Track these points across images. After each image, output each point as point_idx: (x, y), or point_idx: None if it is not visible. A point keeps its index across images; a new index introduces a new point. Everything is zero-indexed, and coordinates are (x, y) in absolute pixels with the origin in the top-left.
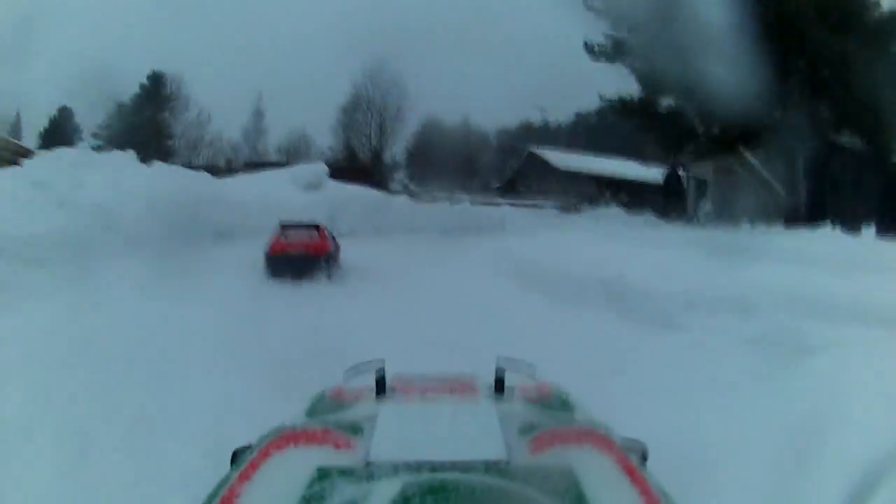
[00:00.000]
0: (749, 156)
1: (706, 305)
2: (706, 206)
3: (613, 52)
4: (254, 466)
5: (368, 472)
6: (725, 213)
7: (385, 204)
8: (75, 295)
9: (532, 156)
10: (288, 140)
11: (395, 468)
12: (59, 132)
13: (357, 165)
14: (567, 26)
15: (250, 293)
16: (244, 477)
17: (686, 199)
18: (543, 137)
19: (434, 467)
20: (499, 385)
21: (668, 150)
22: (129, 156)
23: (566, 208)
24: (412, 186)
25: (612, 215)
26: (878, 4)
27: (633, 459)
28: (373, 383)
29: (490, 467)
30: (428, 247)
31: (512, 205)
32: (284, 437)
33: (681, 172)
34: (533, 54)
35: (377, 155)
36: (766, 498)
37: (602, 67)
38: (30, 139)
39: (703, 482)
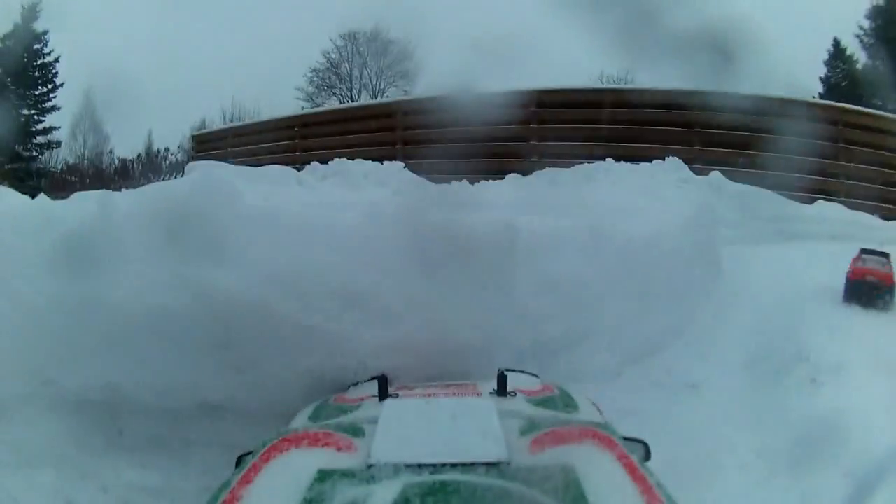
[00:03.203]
0: None
1: None
2: None
3: None
4: (255, 470)
5: (369, 474)
6: None
7: None
8: None
9: None
10: None
11: (396, 469)
12: None
13: None
14: None
15: None
16: (245, 480)
17: None
18: None
19: (435, 468)
20: (501, 387)
21: None
22: None
23: None
24: None
25: None
26: None
27: (634, 458)
28: (376, 391)
29: (491, 468)
30: None
31: None
32: (286, 440)
33: None
34: None
35: None
36: None
37: None
38: None
39: None
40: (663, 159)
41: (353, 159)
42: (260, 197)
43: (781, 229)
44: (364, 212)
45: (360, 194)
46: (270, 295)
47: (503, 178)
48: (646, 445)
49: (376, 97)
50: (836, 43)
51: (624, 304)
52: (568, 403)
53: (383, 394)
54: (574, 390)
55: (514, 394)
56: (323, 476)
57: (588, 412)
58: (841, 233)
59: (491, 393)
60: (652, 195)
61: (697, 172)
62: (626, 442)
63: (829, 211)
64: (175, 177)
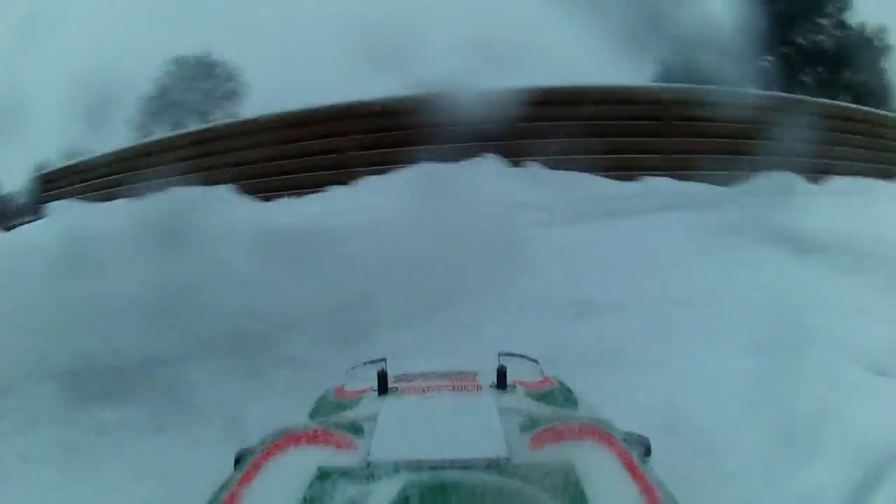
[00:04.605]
0: None
1: None
2: None
3: None
4: (255, 468)
5: (369, 472)
6: None
7: None
8: None
9: None
10: None
11: (396, 467)
12: None
13: None
14: None
15: None
16: (246, 479)
17: None
18: None
19: (435, 466)
20: (501, 381)
21: None
22: None
23: None
24: None
25: None
26: None
27: (634, 454)
28: (375, 382)
29: (491, 465)
30: None
31: None
32: (286, 438)
33: None
34: None
35: None
36: None
37: None
38: None
39: None
40: (481, 157)
41: None
42: None
43: (604, 207)
44: None
45: None
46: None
47: (320, 191)
48: (646, 442)
49: (201, 122)
50: None
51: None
52: (567, 398)
53: (382, 388)
54: (572, 384)
55: (513, 387)
56: (323, 474)
57: (587, 407)
58: (671, 203)
59: (491, 386)
60: (467, 190)
61: (515, 164)
62: (626, 438)
63: (655, 185)
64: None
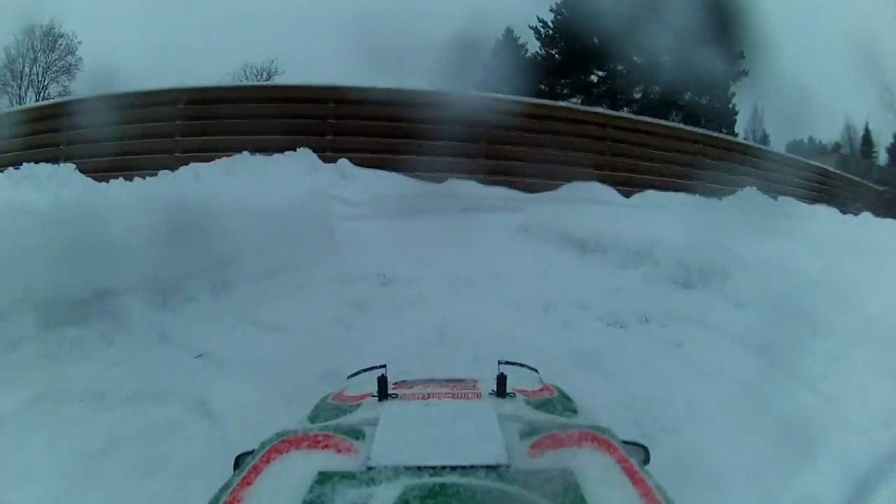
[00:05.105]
0: None
1: None
2: None
3: None
4: (255, 471)
5: (369, 477)
6: None
7: None
8: None
9: None
10: None
11: (396, 472)
12: None
13: None
14: None
15: None
16: (246, 482)
17: None
18: None
19: (435, 471)
20: (500, 388)
21: None
22: None
23: None
24: None
25: None
26: None
27: (634, 461)
28: (374, 388)
29: (491, 470)
30: None
31: None
32: (286, 442)
33: None
34: None
35: None
36: None
37: None
38: None
39: None
40: (295, 150)
41: None
42: None
43: (409, 206)
44: None
45: None
46: None
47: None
48: (646, 449)
49: (40, 95)
50: (510, 31)
51: (278, 246)
52: (567, 406)
53: (382, 394)
54: (572, 391)
55: (513, 395)
56: (323, 478)
57: (586, 415)
58: (473, 205)
59: (490, 394)
60: (280, 182)
61: (328, 160)
62: (625, 445)
63: (460, 188)
64: None
